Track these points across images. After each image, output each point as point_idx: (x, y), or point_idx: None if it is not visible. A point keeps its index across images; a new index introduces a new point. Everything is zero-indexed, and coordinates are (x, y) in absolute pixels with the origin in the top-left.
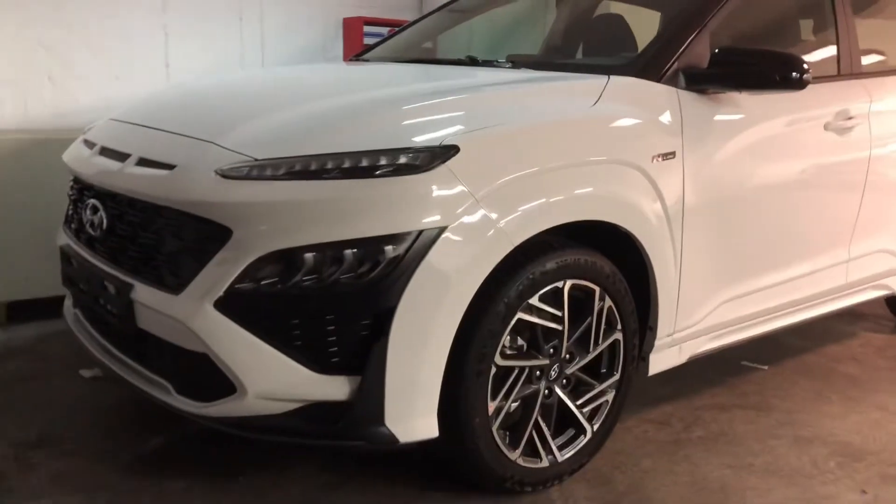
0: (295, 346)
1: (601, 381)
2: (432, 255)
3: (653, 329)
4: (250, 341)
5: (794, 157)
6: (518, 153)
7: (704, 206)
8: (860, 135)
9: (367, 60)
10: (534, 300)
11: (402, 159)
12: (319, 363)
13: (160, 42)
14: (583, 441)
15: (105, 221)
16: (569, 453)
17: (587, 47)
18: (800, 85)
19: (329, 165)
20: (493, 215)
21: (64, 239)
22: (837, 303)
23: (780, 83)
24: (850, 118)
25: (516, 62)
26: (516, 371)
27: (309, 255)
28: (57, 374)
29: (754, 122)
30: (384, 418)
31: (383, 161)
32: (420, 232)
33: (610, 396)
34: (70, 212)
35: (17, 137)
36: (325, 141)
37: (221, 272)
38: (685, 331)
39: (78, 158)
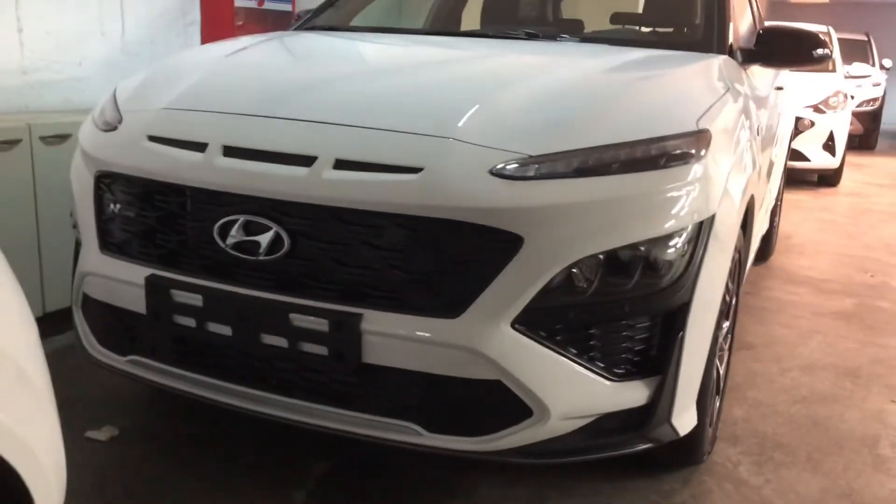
0: (592, 358)
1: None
2: (711, 244)
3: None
4: (551, 359)
5: (776, 116)
6: (729, 133)
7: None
8: (782, 98)
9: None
10: None
11: (673, 147)
12: (615, 371)
13: (10, 2)
14: (718, 404)
15: (287, 241)
16: (715, 417)
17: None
18: (827, 59)
19: (607, 160)
20: (735, 198)
21: (125, 268)
22: None
23: (815, 59)
24: (779, 88)
25: (584, 37)
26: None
27: (609, 259)
28: None
29: (763, 91)
30: (672, 416)
31: (655, 150)
32: (701, 222)
33: (726, 357)
34: (138, 231)
35: None
36: (589, 132)
37: (517, 287)
38: None
39: (181, 165)
